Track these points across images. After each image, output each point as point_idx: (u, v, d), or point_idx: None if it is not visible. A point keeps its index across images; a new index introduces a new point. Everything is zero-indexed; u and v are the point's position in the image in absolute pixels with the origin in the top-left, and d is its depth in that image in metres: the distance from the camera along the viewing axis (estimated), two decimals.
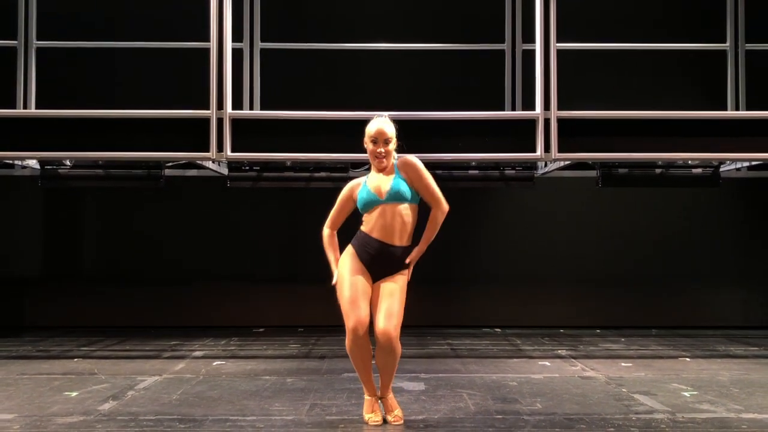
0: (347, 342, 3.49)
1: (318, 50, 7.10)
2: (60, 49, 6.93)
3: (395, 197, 3.53)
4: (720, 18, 6.90)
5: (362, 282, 3.51)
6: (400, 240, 3.55)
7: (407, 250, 3.58)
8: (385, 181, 3.56)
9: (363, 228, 3.60)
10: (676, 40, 7.21)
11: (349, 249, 3.60)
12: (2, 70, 6.63)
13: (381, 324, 3.44)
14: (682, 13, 7.53)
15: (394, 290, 3.52)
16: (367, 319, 3.49)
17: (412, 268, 3.61)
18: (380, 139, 3.57)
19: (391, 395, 3.63)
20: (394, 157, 3.64)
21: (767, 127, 5.57)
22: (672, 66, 7.36)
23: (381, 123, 3.60)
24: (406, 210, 3.55)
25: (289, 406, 3.96)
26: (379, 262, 3.53)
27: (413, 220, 3.59)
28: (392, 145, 3.60)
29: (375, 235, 3.54)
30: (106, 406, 3.94)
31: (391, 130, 3.60)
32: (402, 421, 3.55)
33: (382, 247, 3.53)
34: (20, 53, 6.58)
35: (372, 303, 3.53)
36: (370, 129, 3.60)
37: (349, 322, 3.46)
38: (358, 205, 3.60)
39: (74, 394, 4.27)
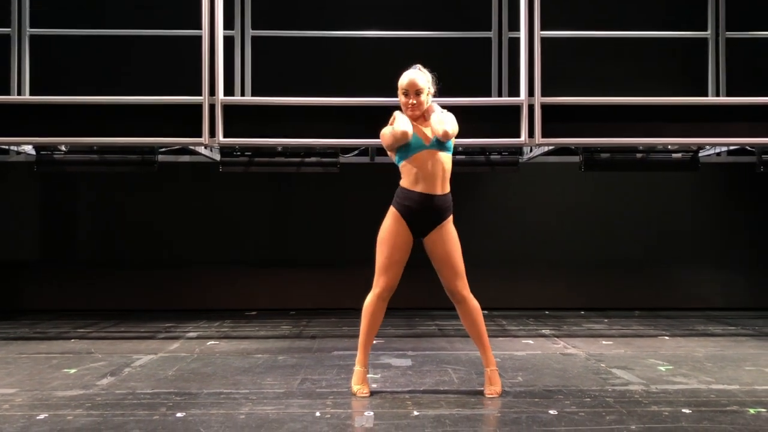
0: (367, 301, 3.68)
1: (308, 38, 7.22)
2: (53, 37, 7.02)
3: (439, 144, 3.64)
4: (701, 6, 7.06)
5: (401, 248, 3.65)
6: (442, 189, 3.66)
7: (447, 198, 3.70)
8: (426, 128, 3.67)
9: (403, 183, 3.69)
10: (659, 27, 7.37)
11: (391, 209, 3.70)
12: None
13: (453, 288, 3.66)
14: (666, 1, 7.68)
15: (450, 250, 3.65)
16: (394, 286, 3.68)
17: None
18: (411, 90, 3.67)
19: (492, 367, 3.72)
20: (428, 104, 3.71)
21: (746, 113, 5.73)
22: (654, 53, 7.53)
23: (412, 75, 3.70)
24: (446, 157, 3.67)
25: (280, 381, 4.12)
26: (424, 216, 3.65)
27: (450, 167, 3.70)
28: (424, 96, 3.68)
29: (418, 188, 3.63)
30: (105, 382, 4.09)
31: (422, 81, 3.68)
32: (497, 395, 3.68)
33: (425, 200, 3.63)
34: (14, 41, 6.66)
35: (431, 259, 3.69)
36: (402, 81, 3.72)
37: (377, 287, 3.64)
38: (401, 153, 3.65)
39: (73, 371, 4.41)
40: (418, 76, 3.70)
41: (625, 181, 7.70)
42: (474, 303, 3.72)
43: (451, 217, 3.73)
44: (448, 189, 3.71)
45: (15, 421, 3.23)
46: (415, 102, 3.67)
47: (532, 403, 3.56)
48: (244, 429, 3.16)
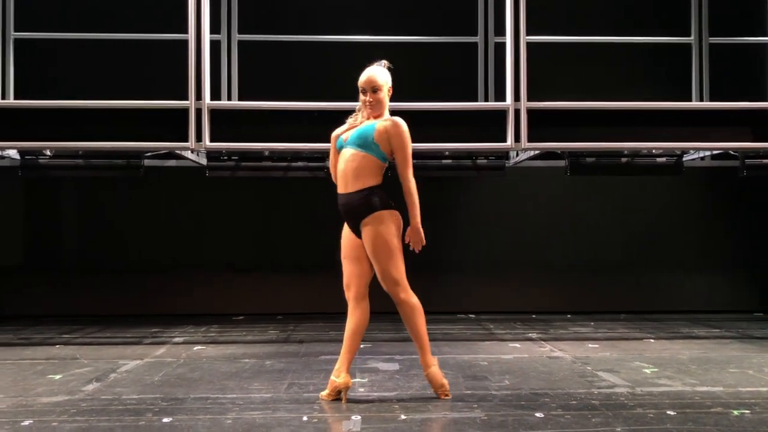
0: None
1: (294, 42, 7.23)
2: (37, 40, 6.98)
3: (355, 142, 3.60)
4: (685, 12, 7.14)
5: (346, 246, 3.69)
6: (352, 186, 3.58)
7: (358, 195, 3.57)
8: (359, 127, 3.65)
9: None
10: (645, 33, 7.44)
11: None
12: None
13: (385, 289, 3.65)
14: (652, 7, 7.75)
15: (373, 251, 3.58)
16: (348, 284, 3.67)
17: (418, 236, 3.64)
18: (368, 88, 3.63)
19: (432, 368, 3.67)
20: (387, 102, 3.67)
21: (729, 118, 5.81)
22: (639, 57, 7.60)
23: (370, 71, 3.66)
24: (358, 155, 3.57)
25: (267, 386, 4.11)
26: (345, 215, 3.66)
27: (369, 171, 3.57)
28: (383, 93, 3.63)
29: (338, 188, 3.67)
30: (90, 387, 4.06)
31: (380, 78, 3.62)
32: (449, 396, 3.69)
33: (339, 198, 3.65)
34: None
35: None
36: (360, 78, 3.67)
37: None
38: None
39: (58, 377, 4.38)
40: (377, 72, 3.64)
41: (610, 185, 7.77)
42: (410, 303, 3.64)
43: (375, 216, 3.56)
44: (360, 186, 3.57)
45: None
46: (371, 100, 3.64)
47: (518, 407, 3.58)
48: None
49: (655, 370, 4.55)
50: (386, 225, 3.58)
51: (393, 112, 5.61)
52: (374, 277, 3.72)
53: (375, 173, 3.62)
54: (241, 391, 3.95)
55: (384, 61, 3.76)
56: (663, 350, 5.36)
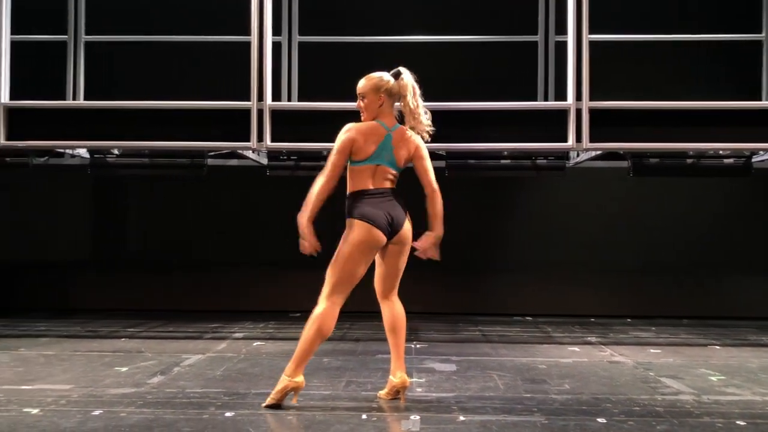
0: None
1: (354, 43, 7.27)
2: (107, 43, 7.22)
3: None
4: (756, 7, 6.89)
5: None
6: None
7: (347, 197, 3.67)
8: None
9: None
10: (710, 29, 7.20)
11: None
12: (54, 64, 6.93)
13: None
14: (717, 1, 7.50)
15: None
16: (376, 289, 3.81)
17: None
18: (358, 95, 3.65)
19: (285, 377, 3.53)
20: (375, 109, 3.60)
21: None
22: (705, 56, 7.36)
23: (362, 80, 3.65)
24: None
25: (326, 383, 4.16)
26: None
27: (349, 176, 3.64)
28: (366, 101, 3.59)
29: None
30: (155, 380, 4.18)
31: (361, 86, 3.61)
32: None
33: None
34: (70, 47, 6.88)
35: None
36: None
37: None
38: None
39: (124, 369, 4.52)
40: (361, 81, 3.64)
41: (673, 186, 7.55)
42: (315, 311, 3.61)
43: (348, 221, 3.64)
44: (348, 190, 3.66)
45: (72, 417, 3.33)
46: (360, 105, 3.65)
47: (579, 411, 3.52)
48: (293, 430, 3.20)
49: (722, 377, 4.41)
50: (349, 231, 3.61)
51: (454, 112, 5.57)
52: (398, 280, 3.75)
53: (351, 178, 3.64)
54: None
55: (398, 69, 3.68)
56: (730, 357, 5.19)
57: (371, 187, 3.60)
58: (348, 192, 3.67)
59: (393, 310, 3.71)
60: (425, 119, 3.63)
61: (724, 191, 7.61)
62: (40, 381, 4.10)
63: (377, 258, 3.69)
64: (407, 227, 3.62)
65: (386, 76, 3.64)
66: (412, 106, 3.59)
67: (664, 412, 3.50)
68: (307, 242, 3.67)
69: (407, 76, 3.64)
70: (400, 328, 3.69)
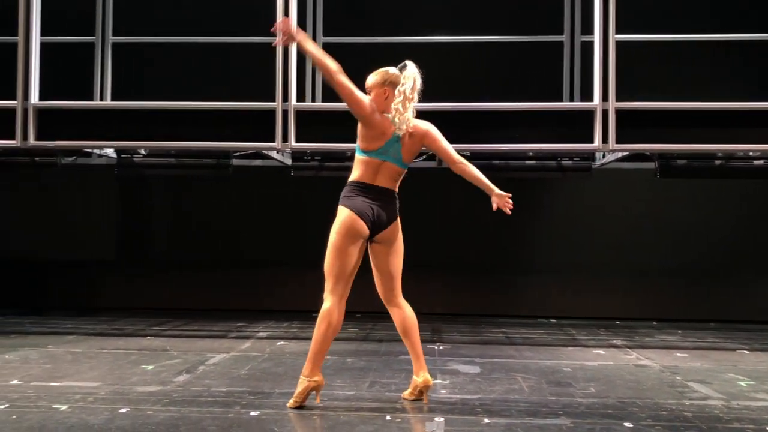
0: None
1: (377, 43, 7.27)
2: (134, 44, 7.30)
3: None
4: None
5: None
6: None
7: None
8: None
9: None
10: (740, 29, 7.09)
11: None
12: (82, 65, 7.03)
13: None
14: (744, 1, 7.39)
15: None
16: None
17: None
18: (366, 91, 3.62)
19: (302, 377, 3.54)
20: (382, 101, 3.57)
21: None
22: (733, 56, 7.24)
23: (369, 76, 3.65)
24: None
25: (350, 383, 4.16)
26: None
27: (354, 165, 3.66)
28: (372, 94, 3.58)
29: None
30: (181, 378, 4.22)
31: (367, 80, 3.63)
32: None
33: None
34: (97, 48, 6.97)
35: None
36: None
37: None
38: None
39: (150, 367, 4.57)
40: (369, 76, 3.64)
41: (700, 187, 7.45)
42: (322, 308, 3.60)
43: (338, 208, 3.65)
44: (348, 180, 3.69)
45: (100, 414, 3.37)
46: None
47: (605, 415, 3.49)
48: (317, 430, 3.21)
49: (752, 383, 4.34)
50: (335, 220, 3.63)
51: (478, 113, 5.55)
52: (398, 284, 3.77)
53: (356, 167, 3.65)
54: (325, 388, 3.99)
55: (405, 62, 3.67)
56: (759, 363, 5.10)
57: (372, 182, 3.61)
58: (348, 180, 3.67)
59: (401, 314, 3.71)
60: (408, 115, 3.57)
61: (752, 193, 7.48)
62: (68, 378, 4.16)
63: (371, 264, 3.72)
64: (393, 228, 3.64)
65: (392, 70, 3.66)
66: (407, 94, 3.55)
67: (692, 417, 3.46)
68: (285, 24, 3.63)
69: (411, 68, 3.63)
70: (411, 331, 3.69)
